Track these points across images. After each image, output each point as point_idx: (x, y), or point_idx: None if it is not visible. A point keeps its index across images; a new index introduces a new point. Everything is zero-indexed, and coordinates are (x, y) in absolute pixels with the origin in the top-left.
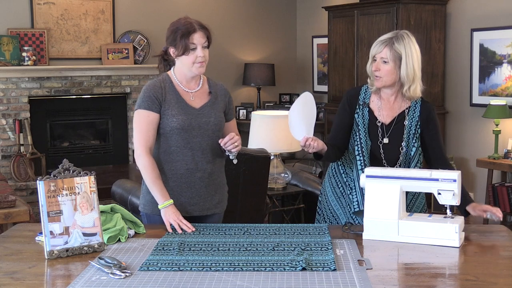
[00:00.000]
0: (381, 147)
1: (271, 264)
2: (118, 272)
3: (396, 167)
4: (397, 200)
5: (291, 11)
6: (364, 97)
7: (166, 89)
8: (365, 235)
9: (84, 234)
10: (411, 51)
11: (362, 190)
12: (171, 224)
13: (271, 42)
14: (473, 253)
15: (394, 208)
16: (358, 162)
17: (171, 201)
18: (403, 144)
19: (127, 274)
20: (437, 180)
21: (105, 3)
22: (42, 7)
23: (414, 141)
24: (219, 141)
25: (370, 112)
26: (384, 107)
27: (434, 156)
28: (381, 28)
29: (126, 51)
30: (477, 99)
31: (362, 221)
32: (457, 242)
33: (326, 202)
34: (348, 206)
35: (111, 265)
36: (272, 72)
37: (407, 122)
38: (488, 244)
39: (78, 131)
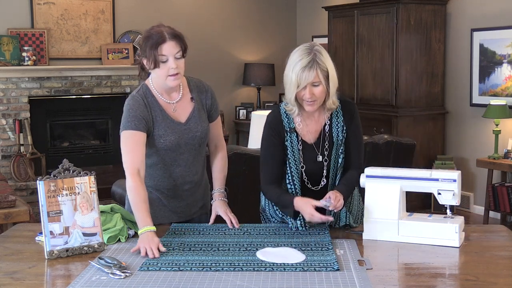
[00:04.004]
0: (303, 171)
1: (271, 264)
2: (118, 272)
3: (321, 184)
4: (397, 200)
5: (291, 11)
6: (288, 122)
7: (150, 106)
8: (365, 235)
9: (84, 234)
10: (330, 61)
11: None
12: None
13: (271, 42)
14: (473, 253)
15: (394, 208)
16: (290, 191)
17: (152, 227)
18: (332, 155)
19: (127, 274)
20: (437, 180)
21: (105, 3)
22: (42, 7)
23: (341, 149)
24: None
25: (298, 136)
26: (309, 126)
27: (346, 160)
28: (381, 28)
29: (126, 51)
30: (477, 99)
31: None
32: (457, 242)
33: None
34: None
35: (111, 265)
36: (272, 72)
37: (333, 130)
38: (488, 244)
39: (78, 131)
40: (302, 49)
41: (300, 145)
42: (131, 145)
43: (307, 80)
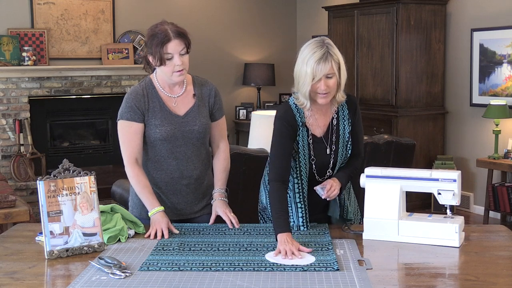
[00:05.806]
0: (313, 164)
1: (271, 264)
2: (118, 272)
3: (327, 175)
4: (397, 200)
5: (291, 11)
6: (300, 116)
7: (148, 96)
8: (365, 235)
9: (84, 234)
10: (340, 54)
11: (299, 211)
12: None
13: (271, 42)
14: (473, 253)
15: (394, 208)
16: (296, 186)
17: (160, 208)
18: (339, 147)
19: (127, 274)
20: (437, 180)
21: (105, 3)
22: (42, 7)
23: (349, 142)
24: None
25: (308, 130)
26: (318, 119)
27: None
28: (381, 28)
29: (126, 51)
30: (477, 99)
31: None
32: (457, 242)
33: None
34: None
35: (111, 265)
36: (272, 72)
37: (340, 123)
38: (488, 244)
39: (78, 131)
40: (314, 43)
41: (310, 139)
42: (129, 136)
43: (323, 72)
